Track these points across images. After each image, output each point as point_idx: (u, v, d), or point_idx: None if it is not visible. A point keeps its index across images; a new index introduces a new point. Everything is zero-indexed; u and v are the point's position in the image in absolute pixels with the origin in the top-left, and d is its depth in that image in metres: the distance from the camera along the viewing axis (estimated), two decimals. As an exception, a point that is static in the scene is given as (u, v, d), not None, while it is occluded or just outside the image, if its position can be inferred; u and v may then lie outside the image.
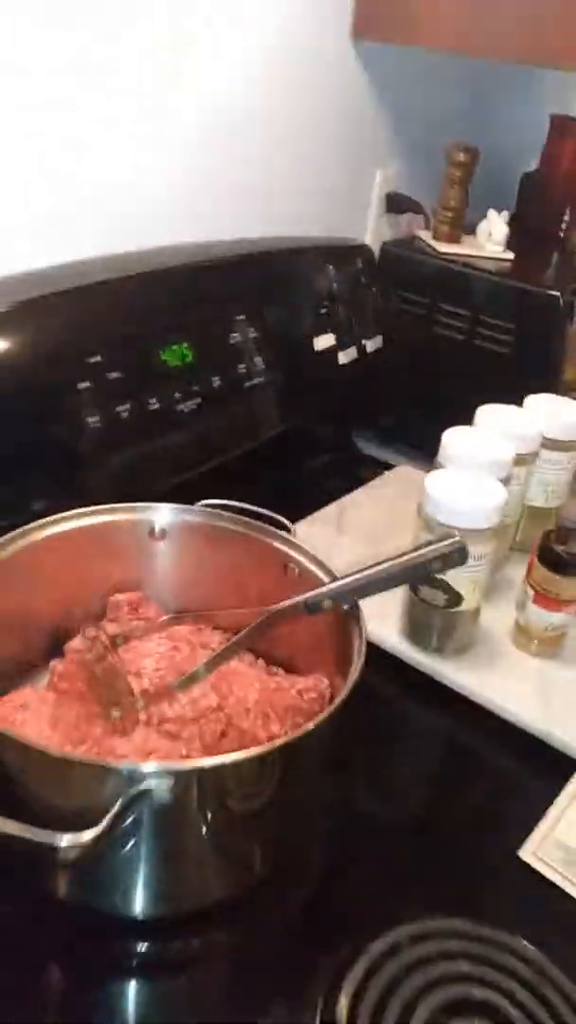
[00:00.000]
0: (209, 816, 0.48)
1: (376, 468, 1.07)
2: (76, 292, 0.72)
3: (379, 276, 1.03)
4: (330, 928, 0.53)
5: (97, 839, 0.41)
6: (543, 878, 0.58)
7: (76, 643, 0.61)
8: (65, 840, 0.41)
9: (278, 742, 0.47)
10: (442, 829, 0.63)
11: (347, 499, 0.97)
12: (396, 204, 1.16)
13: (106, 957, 0.51)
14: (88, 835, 0.41)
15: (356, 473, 1.05)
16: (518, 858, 0.59)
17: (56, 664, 0.62)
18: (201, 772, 0.46)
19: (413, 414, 1.04)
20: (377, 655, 0.74)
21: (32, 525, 0.61)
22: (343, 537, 0.90)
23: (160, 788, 0.43)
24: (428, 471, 0.76)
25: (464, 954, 0.51)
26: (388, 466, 1.07)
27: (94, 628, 0.58)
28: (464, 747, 0.71)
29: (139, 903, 0.50)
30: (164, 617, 0.65)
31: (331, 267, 0.96)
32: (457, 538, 0.57)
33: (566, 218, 1.22)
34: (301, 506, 0.91)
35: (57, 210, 0.77)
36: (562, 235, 1.21)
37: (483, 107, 1.27)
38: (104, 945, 0.51)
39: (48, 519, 0.62)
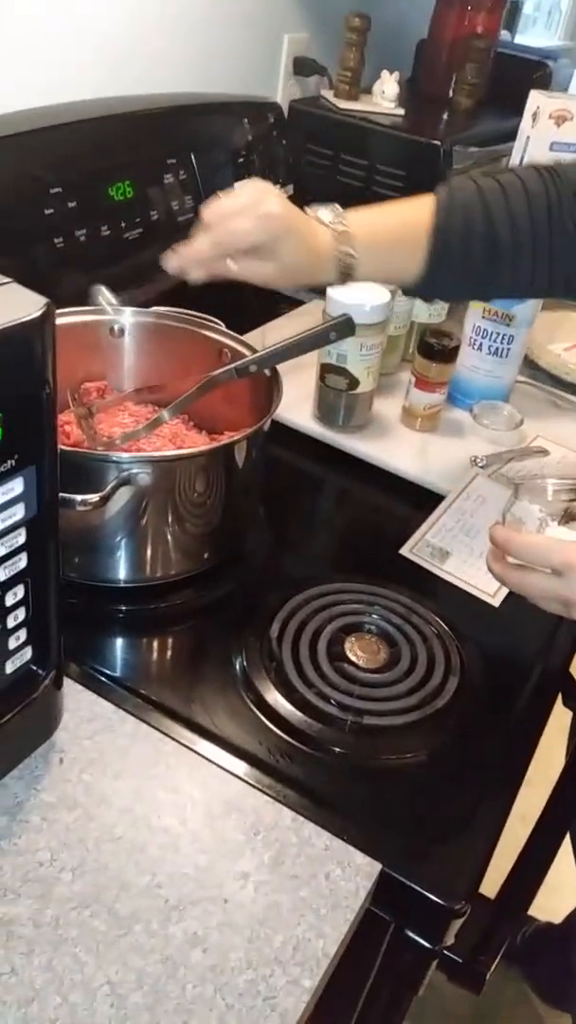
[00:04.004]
0: (176, 499, 0.67)
1: (291, 303, 1.25)
2: (33, 134, 0.86)
3: (288, 130, 1.18)
4: (264, 593, 0.75)
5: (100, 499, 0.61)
6: (417, 565, 0.80)
7: (65, 415, 0.79)
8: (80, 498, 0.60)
9: (222, 442, 0.67)
10: (346, 537, 0.87)
11: (269, 325, 1.15)
12: (302, 67, 1.30)
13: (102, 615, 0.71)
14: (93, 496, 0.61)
15: (274, 308, 1.22)
16: (399, 555, 0.81)
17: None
18: (165, 460, 0.66)
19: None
20: (292, 437, 0.96)
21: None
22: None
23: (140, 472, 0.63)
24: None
25: (358, 600, 0.73)
26: (300, 303, 1.25)
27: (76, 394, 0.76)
28: (360, 493, 0.93)
29: (123, 572, 0.70)
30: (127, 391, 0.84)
31: (247, 121, 1.11)
32: (345, 313, 0.76)
33: (452, 81, 1.37)
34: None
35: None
36: (450, 96, 1.38)
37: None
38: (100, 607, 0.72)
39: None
